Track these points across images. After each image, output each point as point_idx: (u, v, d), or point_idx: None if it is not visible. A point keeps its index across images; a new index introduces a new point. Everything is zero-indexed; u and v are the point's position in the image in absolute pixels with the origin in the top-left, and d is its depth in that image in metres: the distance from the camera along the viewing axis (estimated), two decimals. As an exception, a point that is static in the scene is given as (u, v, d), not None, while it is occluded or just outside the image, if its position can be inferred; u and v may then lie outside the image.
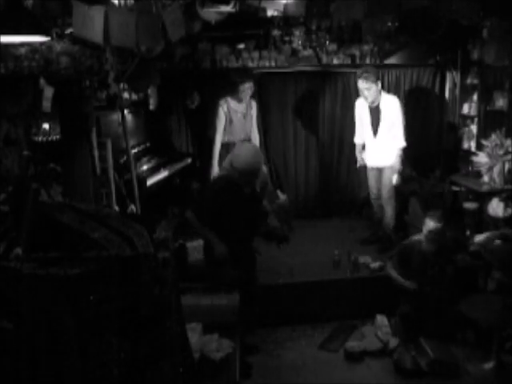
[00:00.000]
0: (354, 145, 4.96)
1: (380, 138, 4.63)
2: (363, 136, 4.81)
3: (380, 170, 4.75)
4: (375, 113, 4.62)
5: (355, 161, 4.93)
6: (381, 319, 3.94)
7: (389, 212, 4.75)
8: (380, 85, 4.58)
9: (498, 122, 4.68)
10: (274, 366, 3.64)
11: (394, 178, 4.67)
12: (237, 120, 4.69)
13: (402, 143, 4.62)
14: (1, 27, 2.69)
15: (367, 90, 4.48)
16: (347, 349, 3.69)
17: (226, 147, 4.69)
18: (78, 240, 1.93)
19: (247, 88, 4.60)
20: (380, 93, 4.57)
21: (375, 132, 4.64)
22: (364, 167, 4.92)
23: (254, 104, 4.85)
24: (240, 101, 4.68)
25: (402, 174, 4.72)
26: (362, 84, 4.50)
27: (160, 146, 5.41)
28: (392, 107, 4.58)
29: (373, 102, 4.57)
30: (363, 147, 4.85)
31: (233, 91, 4.68)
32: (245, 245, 3.53)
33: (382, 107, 4.58)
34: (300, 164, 5.66)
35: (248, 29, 5.14)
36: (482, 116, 4.99)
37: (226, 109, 4.65)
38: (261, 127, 5.26)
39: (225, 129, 4.70)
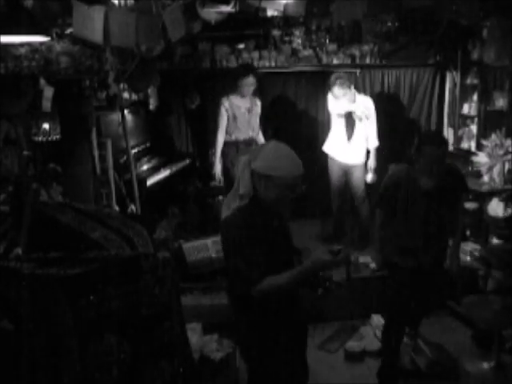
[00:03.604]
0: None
1: (353, 139, 4.66)
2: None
3: (347, 171, 4.76)
4: (350, 115, 4.62)
5: None
6: (377, 319, 3.94)
7: (364, 211, 4.81)
8: (353, 88, 4.61)
9: (498, 122, 4.67)
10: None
11: (369, 177, 4.74)
12: (241, 116, 4.68)
13: (376, 143, 4.69)
14: (1, 27, 2.69)
15: (343, 95, 4.50)
16: (347, 349, 3.69)
17: (235, 146, 4.68)
18: (78, 240, 1.93)
19: (249, 83, 4.57)
20: (354, 95, 4.59)
21: (350, 133, 4.66)
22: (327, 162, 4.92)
23: (258, 102, 4.83)
24: (242, 96, 4.66)
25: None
26: (337, 91, 4.48)
27: (160, 146, 5.41)
28: (368, 107, 4.61)
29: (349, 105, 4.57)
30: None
31: (234, 88, 4.67)
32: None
33: (357, 109, 4.59)
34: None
35: (248, 29, 5.15)
36: (482, 116, 4.98)
37: (227, 106, 4.64)
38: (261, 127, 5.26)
39: (229, 126, 4.69)
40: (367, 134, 4.68)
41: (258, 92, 5.02)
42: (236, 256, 2.05)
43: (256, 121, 4.84)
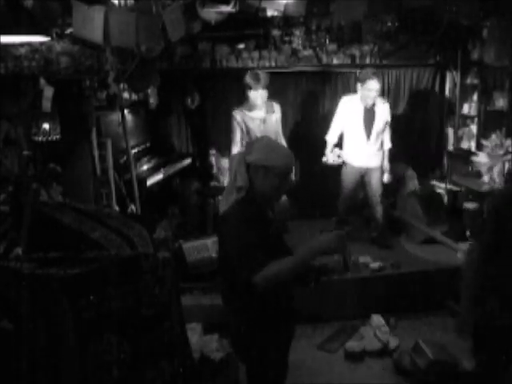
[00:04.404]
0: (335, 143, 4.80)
1: (372, 141, 4.59)
2: (337, 134, 4.69)
3: (364, 173, 4.69)
4: (370, 115, 4.54)
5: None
6: (377, 319, 3.94)
7: (379, 211, 4.79)
8: None
9: (498, 122, 4.68)
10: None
11: (386, 177, 4.75)
12: (255, 127, 4.38)
13: (390, 145, 4.70)
14: (1, 27, 2.69)
15: (377, 90, 4.39)
16: (347, 349, 3.68)
17: None
18: (78, 240, 1.93)
19: (258, 96, 4.25)
20: None
21: (369, 134, 4.58)
22: (339, 166, 4.78)
23: (276, 107, 4.51)
24: (253, 108, 4.35)
25: (393, 172, 4.80)
26: (375, 84, 4.36)
27: (160, 146, 5.41)
28: (385, 110, 4.57)
29: (371, 104, 4.51)
30: (336, 146, 4.73)
31: (242, 97, 4.47)
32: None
33: (376, 109, 4.53)
34: (300, 164, 5.66)
35: (248, 29, 5.14)
36: (482, 116, 4.99)
37: (239, 119, 4.35)
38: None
39: (243, 140, 4.37)
40: (383, 135, 4.64)
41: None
42: (237, 246, 2.06)
43: (276, 130, 4.52)
